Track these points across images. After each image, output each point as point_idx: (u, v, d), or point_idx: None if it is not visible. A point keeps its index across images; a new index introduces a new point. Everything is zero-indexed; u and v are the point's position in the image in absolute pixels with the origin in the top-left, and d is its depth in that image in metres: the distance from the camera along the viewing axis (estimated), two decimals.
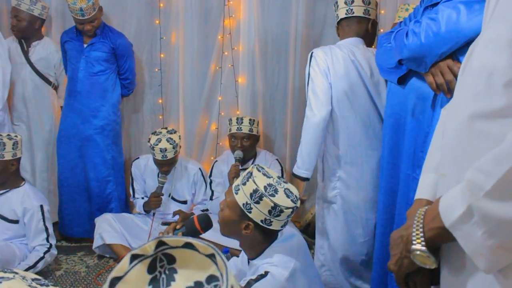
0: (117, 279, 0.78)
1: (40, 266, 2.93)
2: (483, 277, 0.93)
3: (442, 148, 1.10)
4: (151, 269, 0.82)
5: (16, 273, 1.49)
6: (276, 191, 1.68)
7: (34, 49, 3.49)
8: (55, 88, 3.63)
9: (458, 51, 1.67)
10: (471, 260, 0.91)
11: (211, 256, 0.83)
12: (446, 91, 1.66)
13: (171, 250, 0.83)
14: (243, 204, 1.70)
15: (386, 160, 2.04)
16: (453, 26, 1.63)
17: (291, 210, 1.69)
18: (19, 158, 2.99)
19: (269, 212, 1.67)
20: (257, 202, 1.67)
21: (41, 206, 2.99)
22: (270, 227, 1.71)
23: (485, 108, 0.92)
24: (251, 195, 1.68)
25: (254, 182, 1.68)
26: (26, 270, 2.79)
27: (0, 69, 3.12)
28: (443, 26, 1.64)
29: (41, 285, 1.49)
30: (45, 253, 2.97)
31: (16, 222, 2.99)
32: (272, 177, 1.74)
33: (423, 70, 1.72)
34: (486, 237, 0.86)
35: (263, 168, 1.76)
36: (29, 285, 1.42)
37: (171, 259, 0.84)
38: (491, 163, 0.86)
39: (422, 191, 1.18)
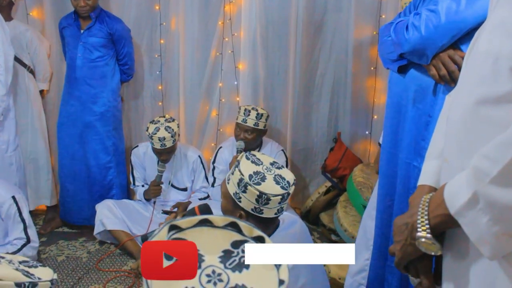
0: None
1: None
2: (486, 263, 0.93)
3: (446, 134, 1.09)
4: None
5: (2, 257, 1.50)
6: (263, 178, 1.67)
7: None
8: (32, 71, 3.49)
9: (458, 40, 1.66)
10: (475, 246, 0.91)
11: (230, 226, 0.85)
12: (449, 81, 1.65)
13: (180, 234, 0.86)
14: (234, 193, 1.70)
15: (386, 148, 2.04)
16: (453, 17, 1.61)
17: (280, 197, 1.68)
18: None
19: (256, 201, 1.67)
20: (244, 192, 1.67)
21: (13, 197, 2.81)
22: (262, 215, 1.70)
23: (491, 93, 0.92)
24: (238, 184, 1.68)
25: (240, 171, 1.67)
26: None
27: (3, 54, 3.04)
28: (443, 18, 1.63)
29: (29, 266, 1.51)
30: (22, 246, 2.82)
31: None
32: (262, 163, 1.72)
33: (425, 62, 1.71)
34: (491, 224, 0.86)
35: (254, 156, 1.75)
36: (16, 269, 1.44)
37: None
38: (497, 149, 0.85)
39: (425, 177, 1.17)
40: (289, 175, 1.74)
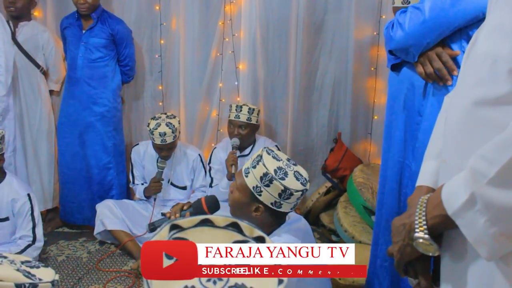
0: None
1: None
2: (484, 264, 0.93)
3: (445, 134, 1.09)
4: None
5: (5, 257, 1.50)
6: (286, 174, 1.71)
7: (22, 29, 3.34)
8: (44, 72, 3.50)
9: (448, 38, 1.65)
10: (473, 247, 0.91)
11: (231, 226, 0.86)
12: (437, 79, 1.64)
13: (181, 233, 0.86)
14: (253, 187, 1.73)
15: (384, 147, 2.05)
16: (437, 15, 1.60)
17: (300, 193, 1.73)
18: (3, 154, 2.81)
19: (279, 195, 1.71)
20: (267, 185, 1.70)
21: (29, 195, 2.88)
22: (280, 210, 1.75)
23: (488, 94, 0.92)
24: (261, 178, 1.71)
25: (264, 165, 1.70)
26: None
27: (3, 54, 3.03)
28: (427, 15, 1.61)
29: (31, 267, 1.51)
30: (26, 246, 2.83)
31: (7, 219, 2.86)
32: (281, 159, 1.77)
33: (412, 60, 1.71)
34: (489, 224, 0.86)
35: (272, 151, 1.79)
36: (18, 269, 1.44)
37: None
38: (494, 150, 0.85)
39: (423, 178, 1.17)
40: (304, 172, 1.80)
